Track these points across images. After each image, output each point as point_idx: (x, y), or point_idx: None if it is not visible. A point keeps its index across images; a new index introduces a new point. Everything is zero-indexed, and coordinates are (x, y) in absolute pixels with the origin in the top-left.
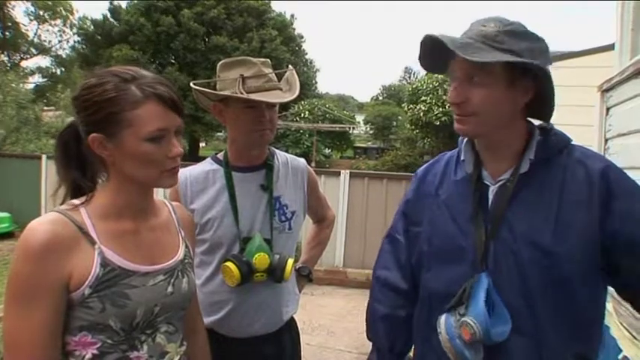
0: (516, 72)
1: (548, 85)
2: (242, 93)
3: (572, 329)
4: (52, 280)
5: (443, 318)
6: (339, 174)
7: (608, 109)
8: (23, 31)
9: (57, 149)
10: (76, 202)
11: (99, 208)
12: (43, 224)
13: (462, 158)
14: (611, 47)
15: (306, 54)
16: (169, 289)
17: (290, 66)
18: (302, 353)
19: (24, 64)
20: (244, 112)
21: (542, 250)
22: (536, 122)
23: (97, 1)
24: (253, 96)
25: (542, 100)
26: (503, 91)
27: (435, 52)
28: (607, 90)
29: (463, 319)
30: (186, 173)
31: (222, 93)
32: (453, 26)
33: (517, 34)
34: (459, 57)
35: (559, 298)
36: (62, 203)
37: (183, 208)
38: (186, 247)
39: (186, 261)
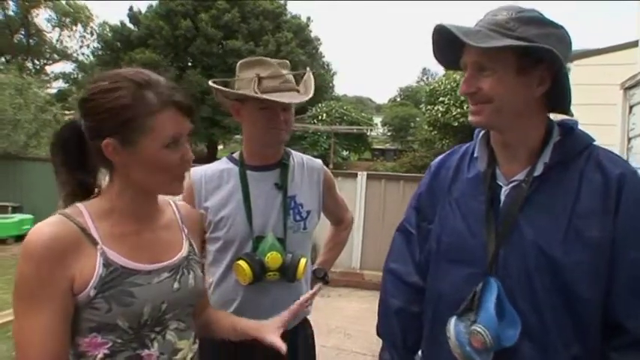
0: (528, 59)
1: (561, 71)
2: (257, 93)
3: (574, 332)
4: (55, 280)
5: (452, 323)
6: (356, 175)
7: (631, 107)
8: (47, 38)
9: (55, 150)
10: (79, 205)
11: (101, 210)
12: (44, 226)
13: (475, 155)
14: (633, 44)
15: (323, 56)
16: (175, 285)
17: (308, 68)
18: (318, 356)
19: (48, 69)
20: (259, 112)
21: (549, 259)
22: (559, 117)
23: (116, 0)
24: (268, 96)
25: (559, 89)
26: (514, 78)
27: (448, 45)
28: (630, 87)
29: (473, 327)
30: (202, 172)
31: (238, 92)
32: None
33: (529, 20)
34: (468, 47)
35: (563, 304)
36: (66, 206)
37: (188, 207)
38: (190, 244)
39: (190, 257)
